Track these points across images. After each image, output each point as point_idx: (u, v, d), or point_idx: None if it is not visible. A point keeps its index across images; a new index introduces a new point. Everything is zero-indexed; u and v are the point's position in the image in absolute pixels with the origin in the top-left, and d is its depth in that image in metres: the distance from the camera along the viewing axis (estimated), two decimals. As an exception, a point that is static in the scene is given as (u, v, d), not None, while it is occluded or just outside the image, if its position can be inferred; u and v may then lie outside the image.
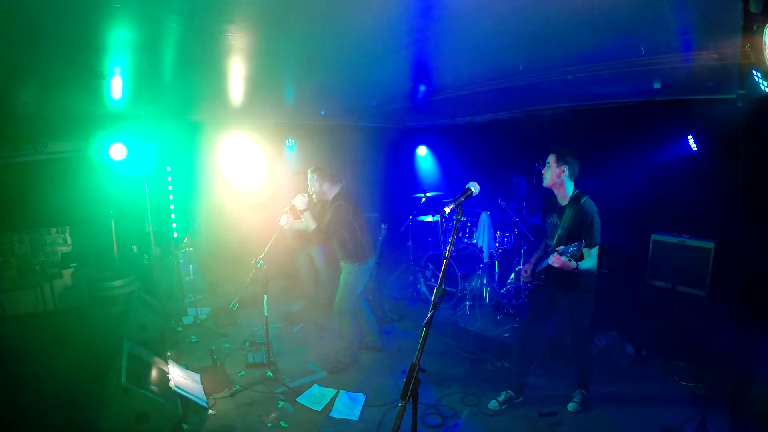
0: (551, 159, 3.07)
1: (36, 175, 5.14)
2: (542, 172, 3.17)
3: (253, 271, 3.65)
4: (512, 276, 5.15)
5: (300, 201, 3.80)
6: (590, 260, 2.90)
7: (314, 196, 3.98)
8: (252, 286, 3.76)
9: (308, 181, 3.98)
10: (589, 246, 2.90)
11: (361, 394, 3.61)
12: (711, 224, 3.89)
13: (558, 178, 3.06)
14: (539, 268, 3.24)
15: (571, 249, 2.75)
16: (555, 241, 3.12)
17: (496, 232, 5.25)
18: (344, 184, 4.03)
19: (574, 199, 3.06)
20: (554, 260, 2.86)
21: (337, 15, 2.21)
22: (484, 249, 5.24)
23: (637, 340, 4.06)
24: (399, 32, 2.57)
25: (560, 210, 3.13)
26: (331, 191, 3.93)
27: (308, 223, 3.81)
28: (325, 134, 6.79)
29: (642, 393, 3.51)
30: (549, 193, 3.24)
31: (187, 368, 3.80)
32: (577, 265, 2.82)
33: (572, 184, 3.08)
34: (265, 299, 3.76)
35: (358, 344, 4.19)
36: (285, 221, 3.91)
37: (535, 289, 3.41)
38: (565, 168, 3.02)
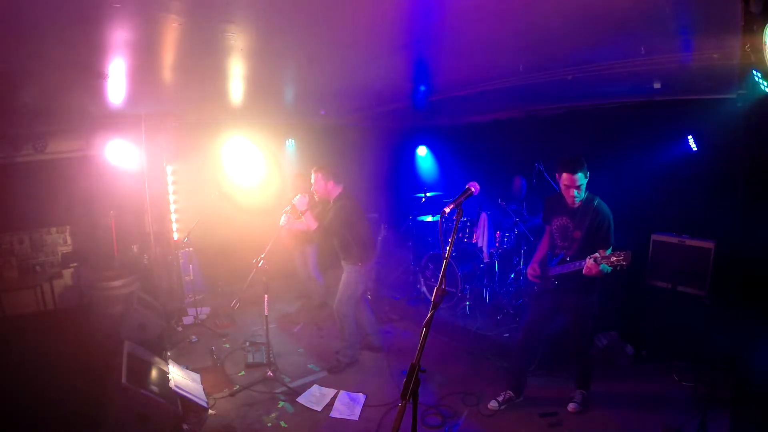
0: (580, 180, 2.93)
1: (36, 175, 5.14)
2: (572, 194, 3.00)
3: (254, 270, 3.65)
4: (512, 276, 5.15)
5: (300, 201, 3.81)
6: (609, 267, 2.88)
7: (316, 195, 3.98)
8: (253, 285, 3.76)
9: (311, 180, 3.99)
10: (605, 248, 2.89)
11: (361, 394, 3.61)
12: (711, 224, 3.89)
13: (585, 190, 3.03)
14: (554, 273, 3.16)
15: (614, 258, 2.67)
16: (568, 244, 3.08)
17: (496, 232, 5.25)
18: (346, 184, 4.03)
19: (588, 201, 3.03)
20: (590, 267, 2.77)
21: (337, 15, 2.21)
22: (484, 249, 5.25)
23: (637, 340, 4.05)
24: (399, 32, 2.57)
25: (572, 212, 3.08)
26: (335, 190, 3.93)
27: (309, 223, 3.82)
28: (325, 134, 6.80)
29: (642, 393, 3.51)
30: (553, 193, 3.21)
31: (187, 368, 3.80)
32: (607, 270, 2.77)
33: None
34: (266, 299, 3.76)
35: (358, 344, 4.19)
36: (285, 221, 3.91)
37: (542, 292, 3.31)
38: (588, 175, 2.99)
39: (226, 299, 5.66)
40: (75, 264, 5.56)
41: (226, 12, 2.05)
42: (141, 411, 2.78)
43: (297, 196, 3.83)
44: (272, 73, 3.51)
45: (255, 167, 5.79)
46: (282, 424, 3.25)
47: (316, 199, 3.97)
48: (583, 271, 2.83)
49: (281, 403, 3.51)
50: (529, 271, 3.30)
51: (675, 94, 4.08)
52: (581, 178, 2.94)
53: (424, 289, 5.59)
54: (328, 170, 3.94)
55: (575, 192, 2.99)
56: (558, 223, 3.19)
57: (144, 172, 5.46)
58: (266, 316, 3.80)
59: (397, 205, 7.37)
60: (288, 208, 3.91)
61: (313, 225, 3.81)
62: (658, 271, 4.17)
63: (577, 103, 5.06)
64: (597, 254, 2.79)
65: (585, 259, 2.84)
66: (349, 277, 3.98)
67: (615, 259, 2.69)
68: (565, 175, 2.98)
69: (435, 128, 7.37)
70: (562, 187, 3.06)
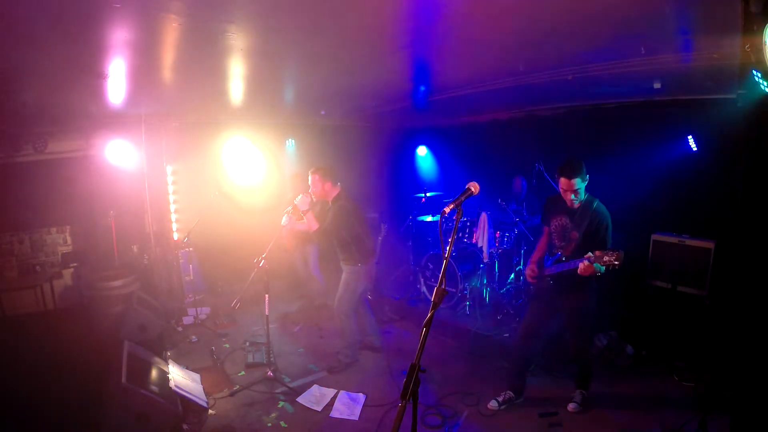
0: (577, 184, 2.94)
1: (36, 175, 5.14)
2: (570, 198, 3.01)
3: (255, 270, 3.65)
4: (512, 276, 5.15)
5: (302, 201, 3.81)
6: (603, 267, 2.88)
7: (313, 196, 3.98)
8: (253, 285, 3.76)
9: (309, 181, 3.98)
10: (604, 249, 2.89)
11: (361, 394, 3.61)
12: (711, 224, 3.89)
13: (584, 192, 3.05)
14: (550, 272, 3.17)
15: (606, 258, 2.70)
16: (566, 244, 3.10)
17: (496, 232, 5.25)
18: (343, 185, 4.03)
19: (587, 203, 3.05)
20: (584, 268, 2.80)
21: (337, 15, 2.21)
22: (484, 249, 5.24)
23: (637, 340, 4.05)
24: (399, 32, 2.57)
25: (571, 212, 3.10)
26: (333, 191, 3.93)
27: (310, 223, 3.82)
28: (325, 134, 6.79)
29: (642, 393, 3.51)
30: (554, 193, 3.21)
31: (187, 368, 3.80)
32: (602, 270, 2.79)
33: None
34: (267, 299, 3.76)
35: (358, 344, 4.20)
36: (287, 221, 3.90)
37: (539, 292, 3.34)
38: (587, 178, 3.00)
39: (226, 299, 5.66)
40: (75, 264, 5.56)
41: (226, 12, 2.06)
42: (141, 411, 2.78)
43: (299, 196, 3.83)
44: (272, 73, 3.52)
45: (255, 167, 5.79)
46: (282, 424, 3.25)
47: (314, 200, 3.97)
48: (578, 271, 2.85)
49: (281, 403, 3.51)
50: (527, 271, 3.30)
51: (675, 94, 4.09)
52: (578, 183, 2.95)
53: (424, 289, 5.59)
54: (326, 171, 3.92)
55: (572, 196, 3.02)
56: (557, 223, 3.20)
57: (144, 172, 5.47)
58: (267, 315, 3.80)
59: (397, 205, 7.37)
60: (290, 208, 3.91)
61: (314, 226, 3.81)
62: (658, 271, 4.17)
63: (577, 103, 5.07)
64: (591, 254, 2.81)
65: (580, 258, 2.85)
66: (348, 277, 3.98)
67: (607, 258, 2.71)
68: (562, 180, 3.00)
69: (435, 128, 7.37)
70: (561, 191, 3.09)
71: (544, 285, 3.24)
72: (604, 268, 2.79)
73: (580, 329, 3.24)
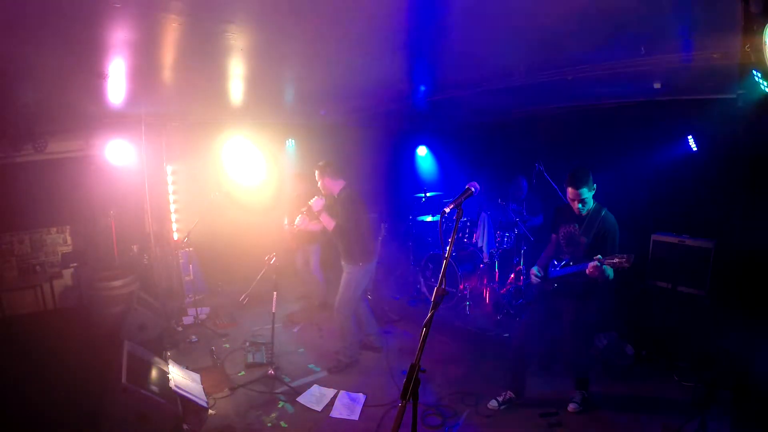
0: (584, 193, 2.99)
1: (36, 175, 5.15)
2: (577, 206, 3.06)
3: (266, 267, 3.67)
4: (512, 276, 5.15)
5: (317, 203, 3.87)
6: (611, 269, 2.89)
7: (323, 191, 4.05)
8: (261, 282, 3.76)
9: (316, 177, 4.06)
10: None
11: (361, 394, 3.61)
12: (711, 224, 3.89)
13: (592, 199, 3.07)
14: (554, 275, 3.20)
15: (616, 260, 2.72)
16: (574, 249, 3.12)
17: (496, 232, 5.25)
18: (349, 182, 4.07)
19: (595, 211, 3.09)
20: (593, 268, 2.82)
21: (338, 15, 2.21)
22: (484, 249, 5.25)
23: (637, 340, 4.05)
24: (400, 33, 2.57)
25: (580, 220, 3.13)
26: (336, 186, 3.97)
27: (326, 223, 3.87)
28: (325, 134, 6.79)
29: (642, 393, 3.51)
30: (562, 203, 3.24)
31: (187, 368, 3.80)
32: (609, 275, 2.82)
33: None
34: (275, 296, 3.77)
35: (358, 344, 4.20)
36: (300, 222, 3.95)
37: (541, 295, 3.35)
38: (594, 188, 3.03)
39: (226, 299, 5.67)
40: (75, 264, 5.56)
41: (226, 12, 2.05)
42: (141, 411, 2.78)
43: (314, 198, 3.92)
44: (272, 73, 3.51)
45: (255, 167, 5.79)
46: (282, 424, 3.25)
47: (323, 194, 4.03)
48: (587, 271, 2.86)
49: (281, 403, 3.51)
50: (531, 271, 3.32)
51: (675, 94, 4.09)
52: (585, 192, 3.00)
53: (424, 289, 5.59)
54: (324, 167, 4.00)
55: (579, 205, 3.06)
56: (565, 230, 3.23)
57: (144, 172, 5.46)
58: (273, 313, 3.80)
59: (397, 205, 7.37)
60: (304, 209, 3.98)
61: (331, 224, 3.86)
62: (658, 271, 4.17)
63: (577, 103, 5.06)
64: (600, 256, 2.82)
65: (590, 260, 2.87)
66: (349, 277, 3.99)
67: (618, 260, 2.74)
68: (569, 189, 3.05)
69: (435, 128, 7.37)
70: (568, 199, 3.13)
71: (548, 288, 3.25)
72: (612, 271, 2.81)
73: (578, 335, 3.25)
